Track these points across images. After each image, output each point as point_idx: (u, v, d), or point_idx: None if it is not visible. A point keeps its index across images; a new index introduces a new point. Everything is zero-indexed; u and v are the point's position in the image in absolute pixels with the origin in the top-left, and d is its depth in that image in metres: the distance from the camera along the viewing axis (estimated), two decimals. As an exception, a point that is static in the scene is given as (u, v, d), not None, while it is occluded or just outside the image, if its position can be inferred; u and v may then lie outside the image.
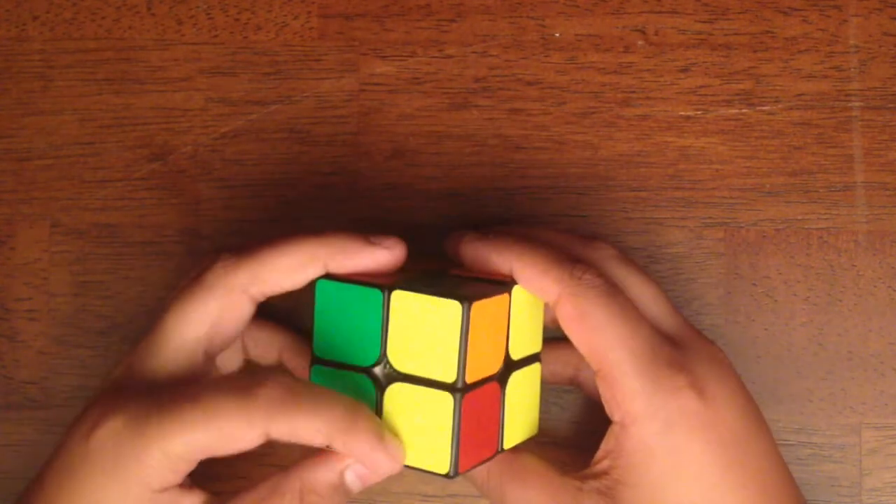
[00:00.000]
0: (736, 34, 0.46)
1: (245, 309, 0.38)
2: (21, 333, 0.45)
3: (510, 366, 0.39)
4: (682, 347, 0.39)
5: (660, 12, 0.46)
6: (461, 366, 0.36)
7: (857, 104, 0.45)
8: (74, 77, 0.46)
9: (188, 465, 0.36)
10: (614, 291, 0.38)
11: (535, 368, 0.40)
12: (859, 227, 0.45)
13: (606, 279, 0.38)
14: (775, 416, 0.45)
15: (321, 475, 0.37)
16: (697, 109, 0.46)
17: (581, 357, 0.39)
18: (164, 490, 0.36)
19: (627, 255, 0.42)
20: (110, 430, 0.36)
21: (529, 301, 0.39)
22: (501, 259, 0.39)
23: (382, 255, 0.38)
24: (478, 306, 0.36)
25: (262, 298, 0.38)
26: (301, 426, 0.35)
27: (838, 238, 0.45)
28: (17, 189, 0.46)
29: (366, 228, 0.45)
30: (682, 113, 0.46)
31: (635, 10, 0.46)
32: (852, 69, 0.46)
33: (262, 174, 0.46)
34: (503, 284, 0.38)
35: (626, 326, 0.37)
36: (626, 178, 0.45)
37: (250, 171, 0.46)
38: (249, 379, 0.36)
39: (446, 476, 0.37)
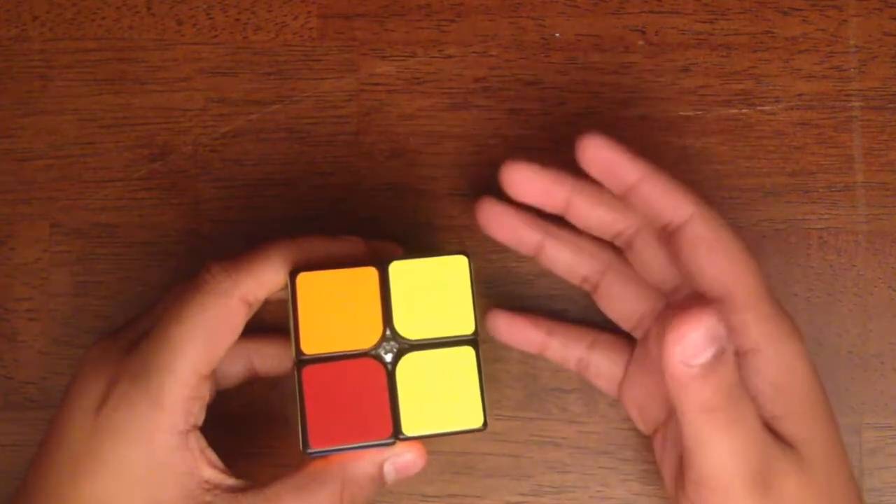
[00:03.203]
0: (736, 34, 0.46)
1: (241, 312, 0.38)
2: (21, 333, 0.45)
3: (403, 345, 0.38)
4: None
5: (660, 12, 0.46)
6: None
7: (857, 104, 0.45)
8: (74, 77, 0.46)
9: (202, 387, 0.37)
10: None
11: (467, 352, 0.38)
12: (859, 227, 0.45)
13: None
14: (775, 416, 0.45)
15: (362, 467, 0.38)
16: (697, 109, 0.46)
17: (590, 340, 0.41)
18: (191, 430, 0.37)
19: None
20: (121, 397, 0.37)
21: (439, 281, 0.38)
22: (627, 172, 0.37)
23: (348, 243, 0.40)
24: (306, 277, 0.37)
25: (253, 301, 0.38)
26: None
27: (838, 238, 0.45)
28: (17, 189, 0.46)
29: (366, 228, 0.45)
30: (682, 113, 0.46)
31: (635, 10, 0.46)
32: (852, 69, 0.46)
33: (262, 174, 0.46)
34: (382, 261, 0.38)
35: (752, 257, 0.38)
36: (626, 178, 0.45)
37: (250, 171, 0.46)
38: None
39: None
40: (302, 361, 0.37)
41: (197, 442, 0.37)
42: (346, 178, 0.45)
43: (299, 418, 0.37)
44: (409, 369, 0.38)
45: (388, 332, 0.38)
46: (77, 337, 0.45)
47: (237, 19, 0.46)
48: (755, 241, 0.45)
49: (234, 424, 0.44)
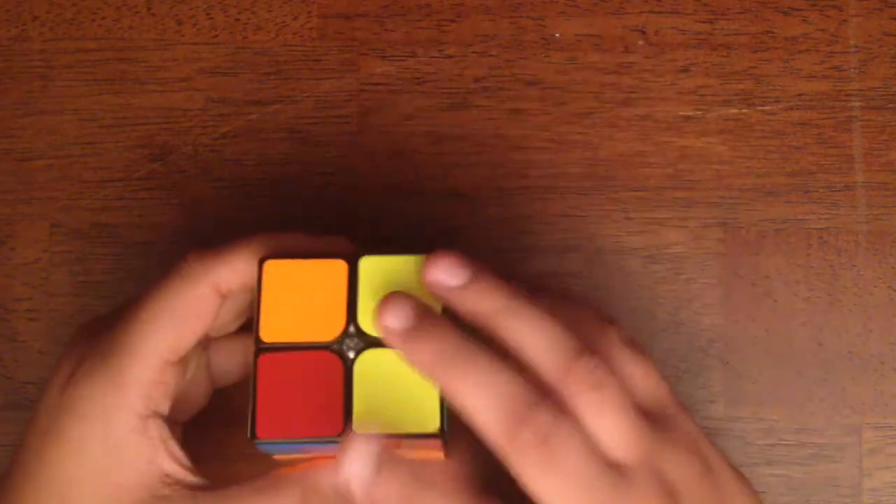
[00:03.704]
0: (736, 34, 0.46)
1: (211, 300, 0.38)
2: (21, 333, 0.45)
3: (366, 341, 0.36)
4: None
5: (660, 12, 0.46)
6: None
7: (857, 104, 0.45)
8: (74, 77, 0.46)
9: (167, 373, 0.37)
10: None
11: None
12: (859, 227, 0.45)
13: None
14: (775, 416, 0.45)
15: (326, 477, 0.37)
16: (697, 109, 0.46)
17: None
18: (151, 416, 0.37)
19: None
20: (84, 375, 0.37)
21: (410, 280, 0.37)
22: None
23: (333, 242, 0.39)
24: (273, 265, 0.37)
25: (226, 291, 0.38)
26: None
27: (838, 238, 0.45)
28: (17, 189, 0.46)
29: (366, 228, 0.45)
30: (682, 113, 0.46)
31: (635, 10, 0.46)
32: (852, 69, 0.46)
33: (262, 174, 0.46)
34: (352, 255, 0.37)
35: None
36: (626, 178, 0.45)
37: (250, 171, 0.46)
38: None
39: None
40: (259, 349, 0.36)
41: (158, 430, 0.37)
42: (346, 178, 0.45)
43: (249, 406, 0.36)
44: (368, 366, 0.36)
45: (351, 328, 0.37)
46: (77, 337, 0.45)
47: (237, 19, 0.46)
48: (755, 241, 0.45)
49: (232, 425, 0.44)
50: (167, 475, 0.37)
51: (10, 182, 0.46)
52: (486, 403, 0.34)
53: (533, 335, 0.35)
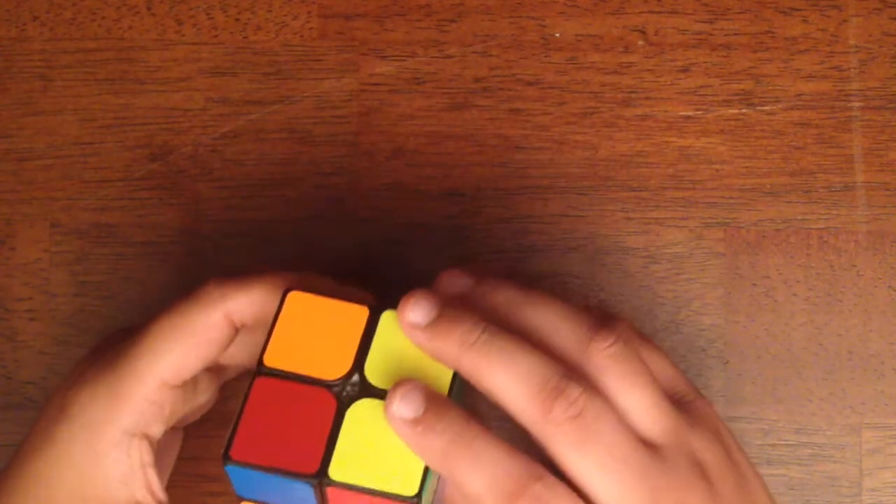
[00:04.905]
0: (736, 34, 0.46)
1: (221, 328, 0.37)
2: (21, 333, 0.45)
3: (368, 391, 0.35)
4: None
5: (660, 12, 0.46)
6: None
7: (857, 104, 0.45)
8: (74, 77, 0.46)
9: (163, 394, 0.36)
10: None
11: None
12: (859, 227, 0.45)
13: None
14: (775, 416, 0.45)
15: None
16: (697, 109, 0.46)
17: None
18: (137, 437, 0.36)
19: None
20: (86, 382, 0.37)
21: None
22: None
23: (356, 293, 0.38)
24: (296, 296, 0.36)
25: (238, 321, 0.37)
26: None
27: (838, 238, 0.45)
28: (17, 189, 0.46)
29: (366, 228, 0.45)
30: (682, 113, 0.46)
31: (635, 10, 0.46)
32: (852, 69, 0.46)
33: (262, 174, 0.46)
34: (377, 305, 0.36)
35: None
36: (626, 178, 0.45)
37: (250, 171, 0.46)
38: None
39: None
40: (259, 371, 0.35)
41: (139, 453, 0.36)
42: (346, 178, 0.45)
43: (232, 425, 0.35)
44: (362, 414, 0.35)
45: (355, 374, 0.36)
46: (77, 337, 0.45)
47: (237, 19, 0.46)
48: (755, 241, 0.45)
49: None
50: (137, 503, 0.36)
51: (10, 182, 0.46)
52: (518, 380, 0.34)
53: (553, 316, 0.36)
